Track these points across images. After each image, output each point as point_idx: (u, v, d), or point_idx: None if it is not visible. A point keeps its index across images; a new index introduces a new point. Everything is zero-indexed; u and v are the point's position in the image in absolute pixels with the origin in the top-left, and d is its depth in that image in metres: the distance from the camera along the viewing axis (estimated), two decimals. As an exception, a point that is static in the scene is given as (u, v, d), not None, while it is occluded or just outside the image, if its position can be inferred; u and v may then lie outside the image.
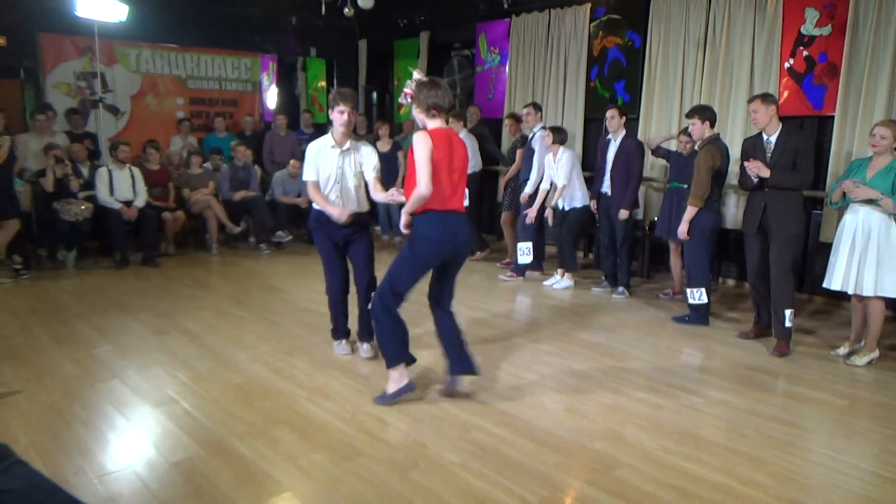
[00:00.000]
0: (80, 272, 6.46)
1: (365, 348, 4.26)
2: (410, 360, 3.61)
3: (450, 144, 3.40)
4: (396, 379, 3.51)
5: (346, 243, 4.15)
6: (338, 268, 4.21)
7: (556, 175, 6.03)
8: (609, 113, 5.77)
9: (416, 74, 3.59)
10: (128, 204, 6.74)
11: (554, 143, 6.00)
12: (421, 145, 3.30)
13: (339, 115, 3.96)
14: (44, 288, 5.82)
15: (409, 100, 3.52)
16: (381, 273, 3.72)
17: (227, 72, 9.50)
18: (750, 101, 4.52)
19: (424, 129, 3.46)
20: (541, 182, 6.21)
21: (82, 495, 2.30)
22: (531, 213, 6.13)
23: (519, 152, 6.77)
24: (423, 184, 3.28)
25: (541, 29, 7.87)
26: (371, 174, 4.08)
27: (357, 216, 4.11)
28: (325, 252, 4.17)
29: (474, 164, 7.01)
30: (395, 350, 3.50)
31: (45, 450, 2.92)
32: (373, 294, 3.99)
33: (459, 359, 3.59)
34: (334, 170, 4.05)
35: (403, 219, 3.47)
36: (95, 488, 2.62)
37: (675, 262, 5.90)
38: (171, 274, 6.51)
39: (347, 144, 4.05)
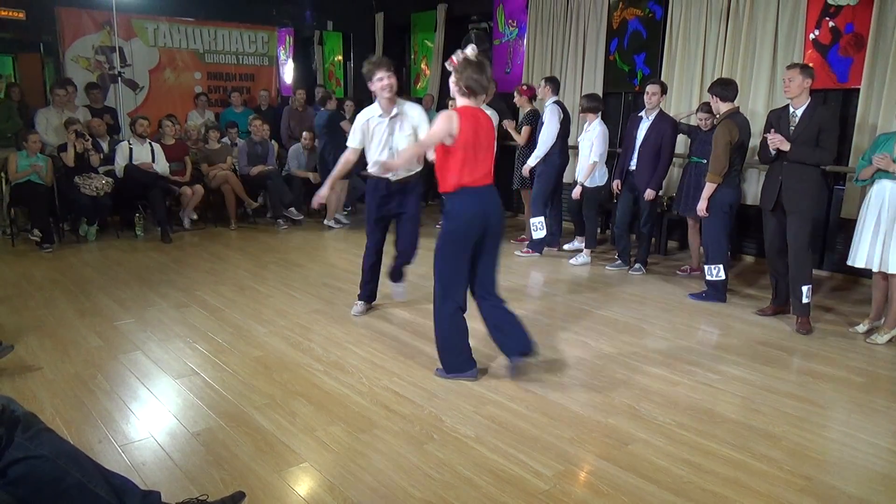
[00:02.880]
0: (102, 246, 6.56)
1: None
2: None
3: (476, 122, 3.40)
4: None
5: (396, 214, 4.25)
6: (374, 234, 4.35)
7: (584, 143, 5.96)
8: (651, 88, 5.59)
9: (470, 51, 3.51)
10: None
11: (585, 111, 5.96)
12: (443, 123, 3.26)
13: (380, 83, 3.99)
14: (66, 261, 5.92)
15: (451, 67, 3.44)
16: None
17: (244, 45, 9.47)
18: (789, 67, 4.35)
19: (453, 101, 3.61)
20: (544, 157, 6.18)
21: (106, 463, 2.36)
22: (576, 192, 6.09)
23: (525, 129, 6.70)
24: (426, 152, 3.55)
25: (560, 1, 7.73)
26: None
27: (405, 180, 4.16)
28: (367, 219, 4.37)
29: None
30: (455, 362, 3.51)
31: (70, 418, 3.00)
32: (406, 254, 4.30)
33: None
34: (385, 137, 4.09)
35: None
36: (119, 456, 2.69)
37: (693, 238, 5.84)
38: (190, 248, 6.58)
39: (395, 110, 4.06)
